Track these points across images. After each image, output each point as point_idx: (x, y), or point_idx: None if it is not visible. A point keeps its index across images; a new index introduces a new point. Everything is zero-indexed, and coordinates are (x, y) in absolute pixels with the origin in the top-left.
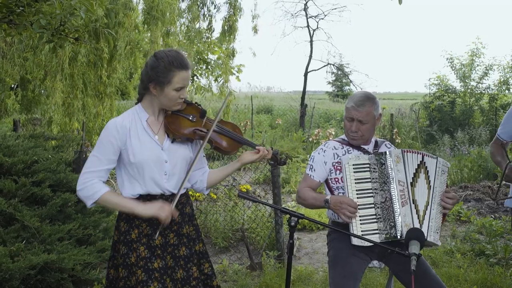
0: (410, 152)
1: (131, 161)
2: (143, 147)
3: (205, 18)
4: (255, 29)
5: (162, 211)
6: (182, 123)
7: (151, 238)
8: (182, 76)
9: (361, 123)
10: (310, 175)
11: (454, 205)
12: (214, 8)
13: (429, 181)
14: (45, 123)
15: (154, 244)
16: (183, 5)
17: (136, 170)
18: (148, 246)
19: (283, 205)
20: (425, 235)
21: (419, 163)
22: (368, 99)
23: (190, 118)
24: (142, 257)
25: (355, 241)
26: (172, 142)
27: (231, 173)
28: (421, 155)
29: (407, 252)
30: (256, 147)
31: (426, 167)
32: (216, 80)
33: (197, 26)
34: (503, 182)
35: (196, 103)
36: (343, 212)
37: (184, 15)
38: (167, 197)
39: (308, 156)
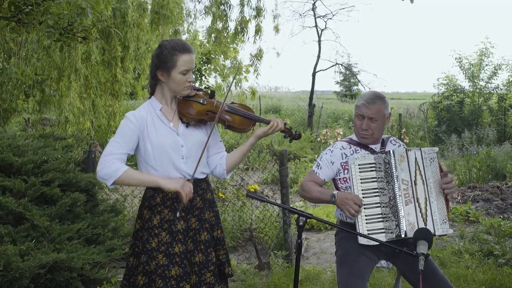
0: (410, 150)
1: (149, 149)
2: (159, 134)
3: (222, 19)
4: (276, 29)
5: (184, 187)
6: (193, 106)
7: (173, 223)
8: (185, 59)
9: (371, 121)
10: (316, 172)
11: (453, 186)
12: (230, 9)
13: (421, 175)
14: (62, 123)
15: (176, 229)
16: (193, 5)
17: (153, 158)
18: (169, 231)
19: (291, 205)
20: (433, 230)
21: (415, 159)
22: (379, 97)
23: (201, 102)
24: (164, 242)
25: (362, 241)
26: (186, 126)
27: (249, 150)
28: (413, 151)
29: (415, 252)
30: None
31: (417, 162)
32: (224, 80)
33: (216, 26)
34: None
35: (205, 87)
36: (347, 208)
37: (193, 15)
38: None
39: (316, 156)
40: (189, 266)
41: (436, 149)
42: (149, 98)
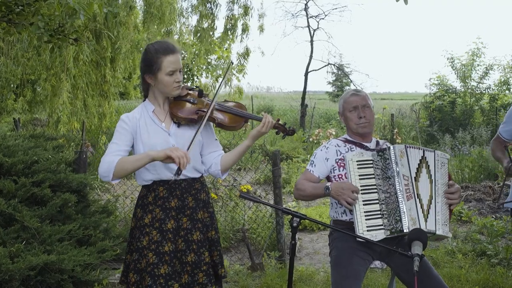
0: (412, 147)
1: (142, 150)
2: (151, 134)
3: (208, 17)
4: (261, 28)
5: (175, 150)
6: (184, 106)
7: (163, 222)
8: (169, 60)
9: (365, 108)
10: (310, 170)
11: (459, 198)
12: (216, 8)
13: (430, 175)
14: (53, 124)
15: (166, 228)
16: (185, 4)
17: None
18: (160, 230)
19: (284, 206)
20: (434, 228)
21: (420, 158)
22: (360, 90)
23: (191, 101)
24: (154, 241)
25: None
26: (178, 126)
27: (244, 152)
28: (421, 150)
29: (409, 252)
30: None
31: (427, 161)
32: (216, 80)
33: (203, 25)
34: (505, 181)
35: (197, 87)
36: (344, 198)
37: (186, 15)
38: (180, 182)
39: (308, 156)
40: (179, 266)
41: (448, 156)
42: (144, 101)
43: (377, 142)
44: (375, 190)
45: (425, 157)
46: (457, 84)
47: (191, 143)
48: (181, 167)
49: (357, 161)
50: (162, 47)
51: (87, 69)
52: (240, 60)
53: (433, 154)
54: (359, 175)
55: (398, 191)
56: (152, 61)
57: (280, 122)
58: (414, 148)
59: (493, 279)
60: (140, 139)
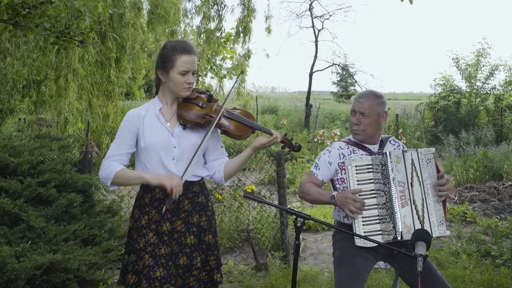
0: (407, 151)
1: (142, 146)
2: (153, 133)
3: (215, 19)
4: (268, 30)
5: (169, 180)
6: (191, 109)
7: (159, 225)
8: (184, 59)
9: (363, 116)
10: (314, 173)
11: (449, 189)
12: (223, 9)
13: (418, 177)
14: (62, 124)
15: (161, 230)
16: (189, 5)
17: (145, 155)
18: (156, 232)
19: (288, 206)
20: (430, 232)
21: (411, 161)
22: (373, 94)
23: (200, 104)
24: (151, 243)
25: (359, 242)
26: (183, 128)
27: (246, 160)
28: (409, 152)
29: (413, 253)
30: (271, 131)
31: (414, 163)
32: (220, 81)
33: (208, 26)
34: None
35: (207, 91)
36: (348, 207)
37: (190, 15)
38: None
39: (313, 156)
40: (174, 269)
41: (433, 149)
42: (154, 97)
43: (381, 142)
44: (374, 195)
45: (413, 159)
46: (462, 85)
47: (188, 166)
48: (171, 196)
49: (355, 167)
50: (179, 45)
51: (92, 70)
52: (242, 62)
53: (416, 153)
54: (357, 180)
55: (394, 198)
56: (167, 58)
57: (287, 137)
58: (408, 151)
59: (497, 280)
60: (143, 136)
